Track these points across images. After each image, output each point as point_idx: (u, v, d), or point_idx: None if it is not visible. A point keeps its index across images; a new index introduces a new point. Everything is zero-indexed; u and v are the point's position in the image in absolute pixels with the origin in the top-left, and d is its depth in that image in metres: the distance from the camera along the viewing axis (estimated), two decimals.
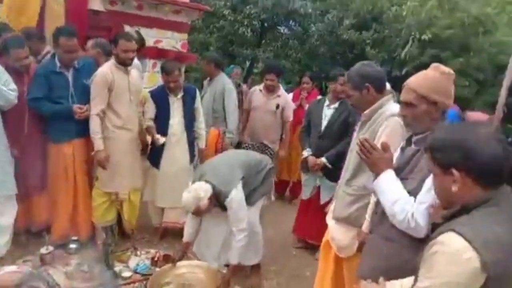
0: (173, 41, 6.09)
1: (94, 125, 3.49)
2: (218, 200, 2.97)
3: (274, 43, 10.92)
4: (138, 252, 3.56)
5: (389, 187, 1.82)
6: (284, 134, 4.96)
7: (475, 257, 1.15)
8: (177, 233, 3.88)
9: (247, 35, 10.28)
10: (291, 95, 5.62)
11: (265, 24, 10.88)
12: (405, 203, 1.76)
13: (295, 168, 5.26)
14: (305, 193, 4.16)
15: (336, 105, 3.97)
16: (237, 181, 3.04)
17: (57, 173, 3.57)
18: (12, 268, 2.96)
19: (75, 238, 3.42)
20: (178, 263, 3.10)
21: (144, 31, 5.64)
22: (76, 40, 3.48)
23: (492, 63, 8.26)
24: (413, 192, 1.78)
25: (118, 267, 3.23)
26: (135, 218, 3.96)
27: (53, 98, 3.45)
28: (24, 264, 3.08)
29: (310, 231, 4.03)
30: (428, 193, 1.69)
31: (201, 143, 4.15)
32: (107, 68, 3.55)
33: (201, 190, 2.88)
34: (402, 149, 1.99)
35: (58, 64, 3.47)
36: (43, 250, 3.17)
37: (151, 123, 3.85)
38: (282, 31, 11.35)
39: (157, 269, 3.25)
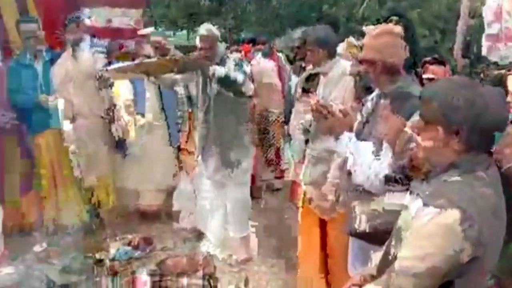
0: (126, 18, 5.90)
1: (61, 114, 3.56)
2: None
3: (234, 10, 10.72)
4: (117, 238, 3.60)
5: (350, 150, 1.92)
6: None
7: (467, 227, 1.12)
8: (155, 215, 3.99)
9: (205, 5, 10.05)
10: None
11: None
12: (367, 163, 1.86)
13: None
14: None
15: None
16: None
17: (39, 164, 3.64)
18: (9, 269, 2.96)
19: (68, 231, 3.45)
20: None
21: (96, 11, 5.45)
22: (36, 26, 3.51)
23: (452, 10, 8.35)
24: (373, 153, 1.87)
25: (99, 255, 3.28)
26: (110, 204, 3.99)
27: (24, 90, 3.49)
28: (19, 264, 3.10)
29: None
30: (386, 154, 1.79)
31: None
32: (65, 58, 3.60)
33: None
34: (360, 110, 2.09)
35: (28, 56, 3.51)
36: (36, 248, 3.20)
37: (129, 103, 3.84)
38: None
39: (138, 252, 3.32)
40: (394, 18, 1.92)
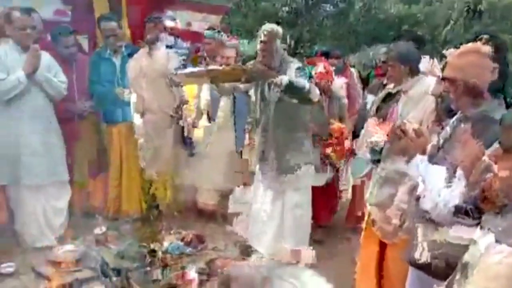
0: (205, 23, 6.10)
1: (132, 109, 3.71)
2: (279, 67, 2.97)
3: (310, 23, 10.73)
4: (172, 232, 3.69)
5: (421, 173, 1.80)
6: None
7: None
8: (210, 215, 4.04)
9: (282, 16, 10.16)
10: None
11: (309, 3, 10.62)
12: (437, 190, 1.72)
13: None
14: None
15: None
16: None
17: (109, 153, 3.86)
18: (70, 247, 3.16)
19: (127, 219, 3.61)
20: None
21: (179, 14, 5.71)
22: (116, 24, 3.68)
23: None
24: (446, 179, 1.73)
25: (153, 245, 3.35)
26: (168, 198, 4.07)
27: (102, 82, 3.71)
28: (80, 243, 3.24)
29: None
30: (459, 182, 1.65)
31: None
32: (140, 54, 3.75)
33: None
34: (439, 133, 1.95)
35: (108, 50, 3.69)
36: (97, 231, 3.34)
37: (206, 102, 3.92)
38: (327, 8, 11.05)
39: (190, 249, 3.36)
40: (485, 36, 1.78)
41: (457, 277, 1.28)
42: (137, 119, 3.83)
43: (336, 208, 4.28)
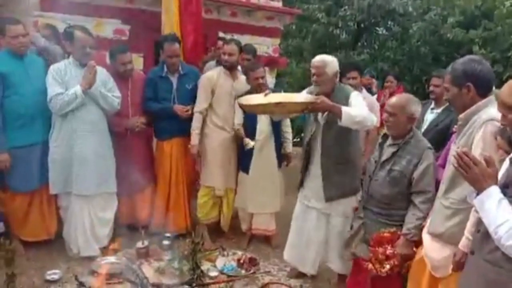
0: (265, 46, 6.17)
1: (195, 121, 3.76)
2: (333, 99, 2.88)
3: (370, 45, 10.51)
4: (226, 253, 3.63)
5: (492, 207, 1.57)
6: (367, 143, 4.16)
7: None
8: (263, 238, 3.92)
9: (342, 38, 10.03)
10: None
11: (362, 26, 10.53)
12: (510, 225, 1.50)
13: None
14: None
15: (440, 110, 3.68)
16: None
17: (158, 168, 3.91)
18: (113, 259, 3.20)
19: (168, 234, 3.63)
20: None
21: (237, 38, 5.82)
22: (178, 46, 3.78)
23: None
24: None
25: (206, 266, 3.33)
26: (230, 218, 4.05)
27: (158, 99, 3.79)
28: (122, 256, 3.32)
29: None
30: None
31: (288, 147, 4.04)
32: (215, 72, 3.81)
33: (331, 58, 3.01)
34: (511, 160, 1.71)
35: (165, 69, 3.79)
36: (139, 245, 3.43)
37: (239, 127, 3.84)
38: (380, 32, 10.86)
39: (243, 271, 3.32)
40: None
41: None
42: (195, 134, 3.77)
43: None
